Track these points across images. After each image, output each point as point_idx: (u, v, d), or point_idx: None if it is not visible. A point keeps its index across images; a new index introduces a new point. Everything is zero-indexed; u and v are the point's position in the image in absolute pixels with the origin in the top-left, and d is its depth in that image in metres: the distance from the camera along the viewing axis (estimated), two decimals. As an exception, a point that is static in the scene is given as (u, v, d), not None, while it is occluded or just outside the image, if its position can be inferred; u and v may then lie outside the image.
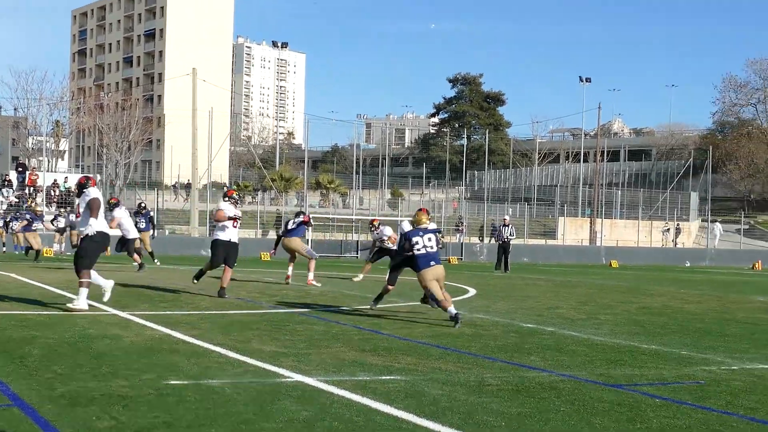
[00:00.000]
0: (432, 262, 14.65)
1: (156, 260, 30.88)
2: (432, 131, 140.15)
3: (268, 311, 15.79)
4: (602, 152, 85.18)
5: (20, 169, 57.76)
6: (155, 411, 7.31)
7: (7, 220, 42.67)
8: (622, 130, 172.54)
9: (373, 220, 28.08)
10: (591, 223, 71.11)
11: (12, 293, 17.73)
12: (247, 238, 47.44)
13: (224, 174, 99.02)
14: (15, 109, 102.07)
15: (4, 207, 48.76)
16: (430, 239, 14.80)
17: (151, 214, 34.59)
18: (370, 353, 10.96)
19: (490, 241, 38.70)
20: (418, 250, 14.69)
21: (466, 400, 8.16)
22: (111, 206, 25.81)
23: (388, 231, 26.47)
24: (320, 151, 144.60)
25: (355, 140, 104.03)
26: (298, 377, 9.12)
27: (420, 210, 15.81)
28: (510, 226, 38.40)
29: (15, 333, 11.80)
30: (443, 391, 8.59)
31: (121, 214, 26.06)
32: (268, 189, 77.79)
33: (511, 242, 38.09)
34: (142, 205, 33.88)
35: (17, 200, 50.40)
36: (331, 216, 58.58)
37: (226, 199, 19.08)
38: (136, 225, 29.56)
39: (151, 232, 32.64)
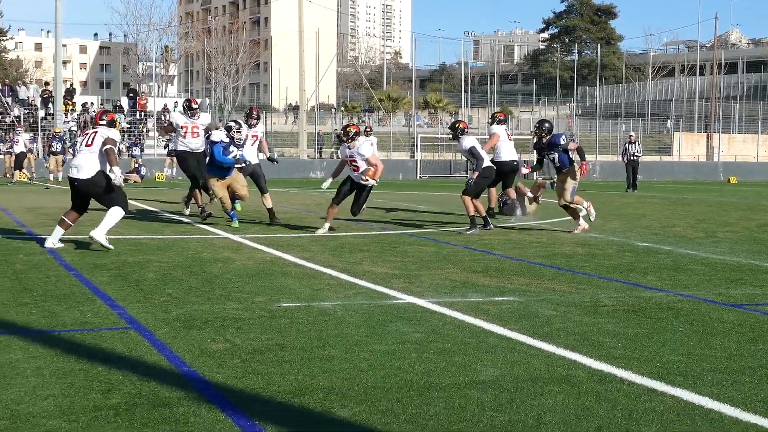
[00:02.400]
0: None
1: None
2: (541, 47, 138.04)
3: (378, 233, 15.85)
4: (719, 64, 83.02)
5: (131, 94, 58.62)
6: (268, 333, 7.40)
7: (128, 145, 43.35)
8: (740, 41, 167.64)
9: (349, 126, 15.87)
10: (708, 138, 69.64)
11: (126, 218, 18.07)
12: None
13: (332, 95, 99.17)
14: (125, 36, 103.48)
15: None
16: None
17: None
18: (481, 274, 10.93)
19: (622, 159, 37.47)
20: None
21: (581, 321, 8.09)
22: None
23: (366, 148, 15.62)
24: (428, 70, 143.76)
25: (462, 58, 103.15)
26: (409, 299, 9.14)
27: None
28: (636, 143, 37.49)
29: (130, 257, 12.05)
30: (557, 312, 8.53)
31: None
32: (375, 109, 77.76)
33: (639, 159, 37.28)
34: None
35: (129, 125, 51.25)
36: (439, 135, 58.36)
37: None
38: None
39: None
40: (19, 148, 36.79)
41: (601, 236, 15.82)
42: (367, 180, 15.17)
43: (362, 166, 15.23)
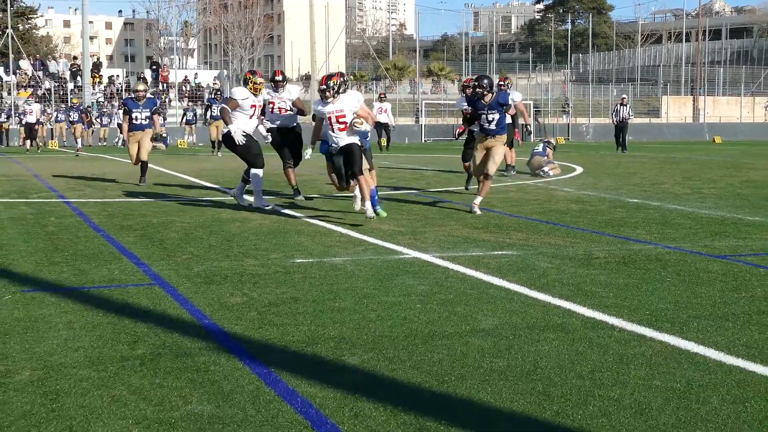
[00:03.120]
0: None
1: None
2: (537, 17, 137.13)
3: (386, 193, 15.82)
4: (704, 31, 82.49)
5: (154, 67, 58.47)
6: (283, 287, 7.40)
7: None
8: (724, 9, 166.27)
9: (332, 77, 12.09)
10: (694, 101, 69.30)
11: (151, 181, 18.07)
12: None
13: (341, 65, 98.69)
14: (147, 12, 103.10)
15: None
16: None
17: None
18: (482, 230, 10.91)
19: (613, 121, 36.83)
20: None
21: (575, 273, 8.07)
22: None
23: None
24: (431, 40, 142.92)
25: (463, 29, 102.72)
26: (414, 254, 9.13)
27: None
28: (627, 105, 36.79)
29: (155, 218, 12.04)
30: (552, 264, 8.51)
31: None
32: (382, 78, 77.47)
33: (628, 122, 36.54)
34: (219, 91, 33.92)
35: (152, 96, 51.18)
36: (442, 102, 58.15)
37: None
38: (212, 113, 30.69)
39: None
40: (32, 118, 36.30)
41: (594, 193, 15.77)
42: (361, 124, 11.51)
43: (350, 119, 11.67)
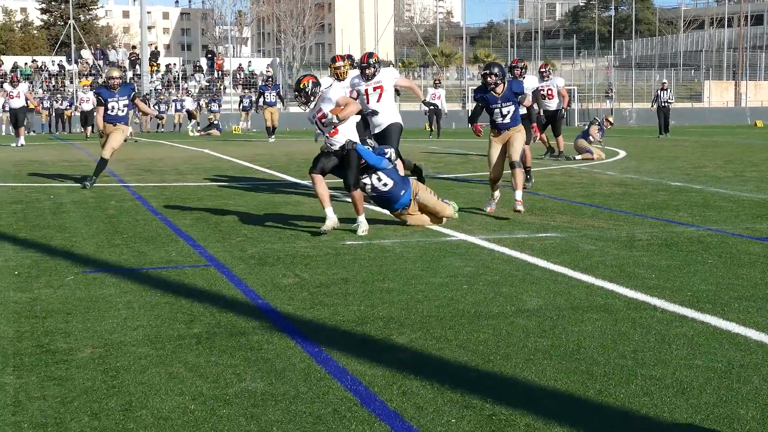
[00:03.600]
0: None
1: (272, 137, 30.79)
2: (581, 4, 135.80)
3: (433, 177, 15.78)
4: (746, 16, 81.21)
5: (209, 55, 58.69)
6: (333, 268, 7.41)
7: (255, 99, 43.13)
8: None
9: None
10: (736, 85, 68.35)
11: (207, 167, 18.19)
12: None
13: (390, 53, 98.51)
14: (203, 2, 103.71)
15: (197, 90, 49.82)
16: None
17: (279, 88, 34.25)
18: (527, 213, 10.83)
19: (652, 106, 35.94)
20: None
21: (618, 255, 8.00)
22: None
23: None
24: (477, 27, 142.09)
25: (509, 16, 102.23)
26: (461, 236, 9.10)
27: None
28: (668, 90, 35.17)
29: (210, 202, 12.11)
30: (596, 246, 8.44)
31: None
32: (430, 65, 77.25)
33: (670, 106, 35.19)
34: (271, 78, 33.60)
35: (207, 83, 51.47)
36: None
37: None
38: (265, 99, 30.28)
39: (279, 105, 32.56)
40: (88, 106, 36.15)
41: (637, 177, 15.62)
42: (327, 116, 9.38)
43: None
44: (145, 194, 13.01)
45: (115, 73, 14.86)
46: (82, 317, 5.83)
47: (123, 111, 14.60)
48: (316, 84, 9.68)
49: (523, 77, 13.98)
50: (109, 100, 14.49)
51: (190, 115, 42.21)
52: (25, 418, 4.07)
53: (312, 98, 9.63)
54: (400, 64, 75.92)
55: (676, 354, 4.97)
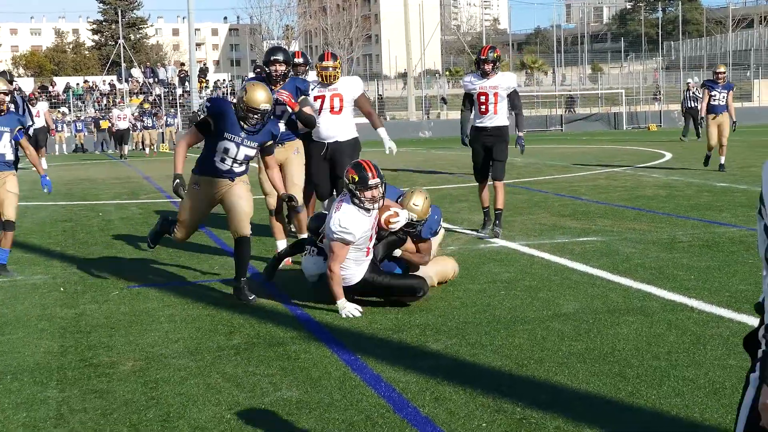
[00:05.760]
0: None
1: None
2: (628, 6, 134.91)
3: (476, 184, 15.75)
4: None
5: (257, 70, 59.14)
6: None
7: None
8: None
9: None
10: (787, 83, 67.41)
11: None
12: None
13: (437, 62, 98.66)
14: (251, 18, 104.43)
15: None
16: None
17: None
18: (569, 218, 10.82)
19: (681, 109, 33.59)
20: None
21: (658, 257, 7.96)
22: None
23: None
24: (524, 34, 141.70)
25: (555, 21, 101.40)
26: (501, 242, 9.11)
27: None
28: (692, 90, 31.25)
29: (256, 215, 12.19)
30: (636, 249, 8.41)
31: None
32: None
33: (698, 108, 30.92)
34: None
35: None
36: (536, 93, 57.69)
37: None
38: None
39: None
40: (123, 124, 33.41)
41: (682, 178, 15.50)
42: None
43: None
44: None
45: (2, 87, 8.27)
46: (125, 331, 5.94)
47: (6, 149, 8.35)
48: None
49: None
50: None
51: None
52: (66, 431, 4.17)
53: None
54: (447, 72, 75.89)
55: (710, 355, 4.96)
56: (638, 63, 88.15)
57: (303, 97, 8.28)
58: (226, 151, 6.77)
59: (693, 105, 30.92)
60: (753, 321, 5.60)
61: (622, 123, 48.04)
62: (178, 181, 6.80)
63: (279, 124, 7.71)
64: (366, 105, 9.11)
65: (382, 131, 9.09)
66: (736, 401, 4.23)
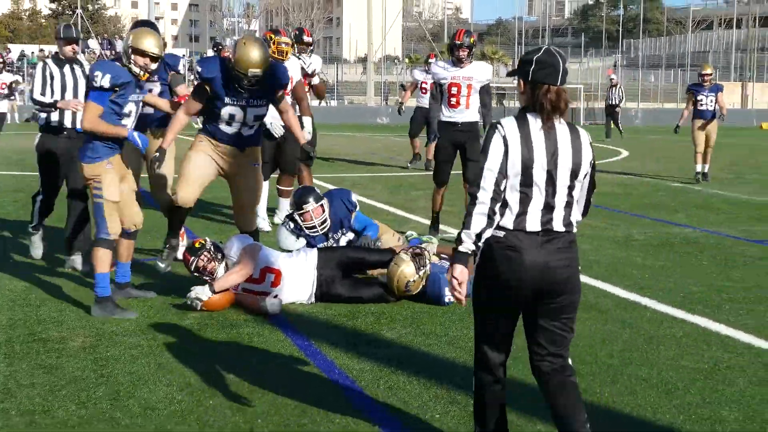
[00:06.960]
0: None
1: None
2: (590, 2, 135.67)
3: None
4: (755, 18, 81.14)
5: (215, 47, 58.70)
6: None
7: None
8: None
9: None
10: (743, 87, 68.22)
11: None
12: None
13: (397, 48, 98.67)
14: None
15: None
16: None
17: None
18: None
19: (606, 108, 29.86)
20: None
21: (613, 254, 8.02)
22: None
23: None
24: (485, 24, 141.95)
25: (517, 13, 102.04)
26: (453, 233, 9.08)
27: None
28: (618, 86, 28.88)
29: (209, 193, 12.11)
30: (591, 245, 8.45)
31: None
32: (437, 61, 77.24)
33: (617, 107, 28.81)
34: None
35: None
36: (495, 84, 57.90)
37: None
38: None
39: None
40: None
41: (638, 177, 15.61)
42: None
43: None
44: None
45: None
46: (76, 307, 5.87)
47: None
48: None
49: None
50: None
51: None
52: (13, 405, 4.11)
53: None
54: (407, 59, 75.83)
55: (663, 354, 5.00)
56: (598, 59, 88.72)
57: (173, 73, 7.51)
58: (231, 117, 6.15)
59: (617, 102, 28.70)
60: (706, 323, 5.67)
61: (579, 118, 48.32)
62: (157, 154, 6.11)
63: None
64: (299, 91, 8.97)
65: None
66: (688, 402, 4.29)
